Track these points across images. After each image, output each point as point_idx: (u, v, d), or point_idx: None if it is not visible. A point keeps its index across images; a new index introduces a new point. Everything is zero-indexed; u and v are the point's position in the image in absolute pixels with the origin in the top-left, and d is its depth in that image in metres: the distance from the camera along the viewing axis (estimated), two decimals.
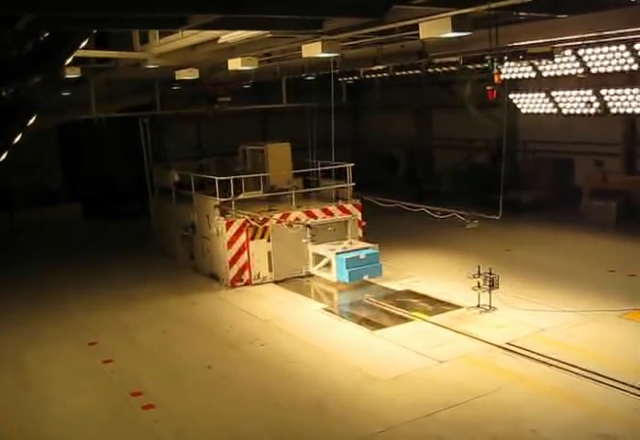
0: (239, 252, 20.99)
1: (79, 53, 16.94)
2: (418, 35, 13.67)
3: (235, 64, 18.99)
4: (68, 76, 20.67)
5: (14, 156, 19.95)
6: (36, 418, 13.17)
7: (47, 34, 14.73)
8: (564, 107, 25.69)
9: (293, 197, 22.11)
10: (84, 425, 12.77)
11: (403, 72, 22.98)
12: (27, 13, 10.62)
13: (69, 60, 17.29)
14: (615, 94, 23.44)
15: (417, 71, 22.57)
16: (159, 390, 14.11)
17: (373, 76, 24.95)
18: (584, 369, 13.66)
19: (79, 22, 12.29)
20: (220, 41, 16.21)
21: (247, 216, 21.05)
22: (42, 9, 10.32)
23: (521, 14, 13.61)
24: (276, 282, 21.35)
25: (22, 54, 16.01)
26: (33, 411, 13.48)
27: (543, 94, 26.27)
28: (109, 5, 10.40)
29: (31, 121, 19.05)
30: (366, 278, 20.23)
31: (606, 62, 20.50)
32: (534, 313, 17.18)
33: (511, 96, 27.37)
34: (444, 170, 36.41)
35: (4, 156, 20.16)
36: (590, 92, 24.13)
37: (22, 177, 31.49)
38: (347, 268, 19.71)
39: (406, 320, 17.54)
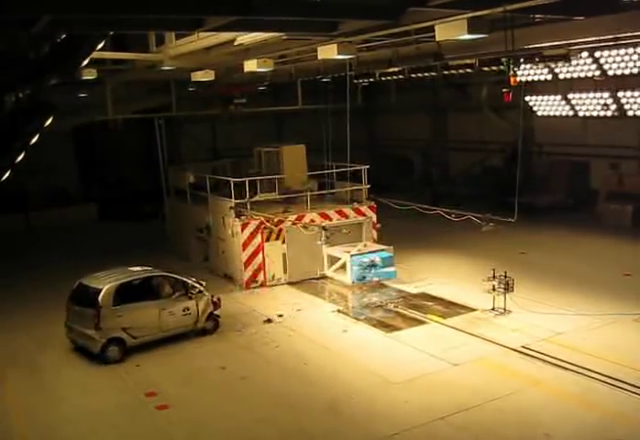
0: (254, 253, 21.03)
1: (95, 55, 17.03)
2: (434, 37, 13.66)
3: (250, 66, 19.02)
4: (84, 78, 20.75)
5: (30, 157, 20.08)
6: (50, 418, 13.27)
7: (64, 36, 14.82)
8: (580, 110, 25.63)
9: (308, 199, 22.13)
10: (98, 426, 12.82)
11: (419, 74, 22.97)
12: (44, 15, 10.69)
13: (85, 62, 17.40)
14: (632, 97, 23.36)
15: (433, 74, 22.57)
16: (173, 390, 14.16)
17: (389, 78, 24.95)
18: (599, 373, 13.57)
19: (96, 24, 12.37)
20: (236, 43, 16.24)
21: (262, 218, 21.08)
22: (59, 11, 10.38)
23: (537, 16, 13.56)
24: (290, 284, 21.38)
25: (39, 56, 16.11)
26: (48, 411, 13.57)
27: (559, 97, 26.22)
28: (126, 7, 10.45)
29: (48, 122, 19.17)
30: (381, 280, 20.23)
31: (623, 65, 20.43)
32: (549, 316, 17.10)
33: (527, 99, 27.30)
34: (459, 173, 36.33)
35: (20, 157, 20.29)
36: (606, 94, 24.06)
37: (38, 178, 31.65)
38: (362, 270, 19.70)
39: (421, 322, 17.51)
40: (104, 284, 15.92)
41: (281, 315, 18.39)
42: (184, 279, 17.14)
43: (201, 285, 17.30)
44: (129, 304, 16.03)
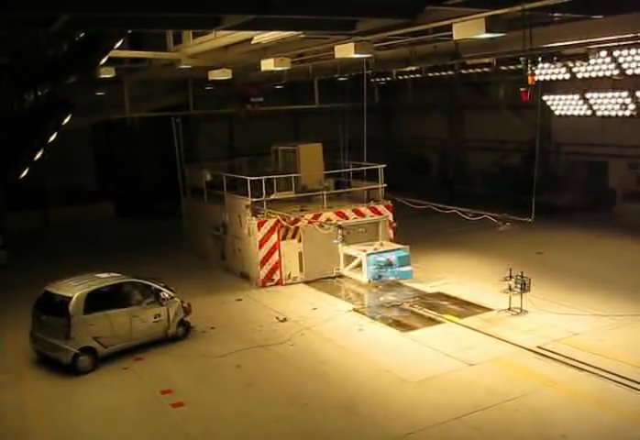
0: (270, 252, 21.06)
1: (113, 53, 17.12)
2: (451, 36, 13.63)
3: (267, 65, 19.06)
4: (102, 76, 20.87)
5: (48, 154, 20.22)
6: (66, 415, 13.36)
7: (82, 35, 14.93)
8: (598, 109, 25.41)
9: (325, 198, 22.14)
10: (114, 423, 12.88)
11: (436, 73, 22.92)
12: (62, 14, 10.75)
13: (103, 61, 17.51)
14: None
15: (450, 73, 22.52)
16: (188, 388, 14.20)
17: (406, 77, 24.91)
18: (615, 374, 13.49)
19: (113, 22, 12.44)
20: (253, 42, 16.28)
21: (278, 216, 21.12)
22: (77, 10, 10.44)
23: (555, 14, 13.50)
24: (306, 283, 21.38)
25: (58, 54, 16.24)
26: (64, 407, 13.66)
27: (577, 96, 26.01)
28: (143, 5, 10.50)
29: (66, 120, 19.31)
30: (397, 279, 20.21)
31: None
32: (565, 316, 17.02)
33: (544, 98, 27.15)
34: (476, 172, 36.21)
35: (39, 154, 20.45)
36: (625, 93, 23.84)
37: (56, 176, 31.81)
38: (378, 269, 19.68)
39: (436, 322, 17.47)
40: (74, 292, 15.22)
41: (284, 320, 18.19)
42: (154, 285, 16.77)
43: (171, 291, 17.02)
44: (100, 312, 15.46)
